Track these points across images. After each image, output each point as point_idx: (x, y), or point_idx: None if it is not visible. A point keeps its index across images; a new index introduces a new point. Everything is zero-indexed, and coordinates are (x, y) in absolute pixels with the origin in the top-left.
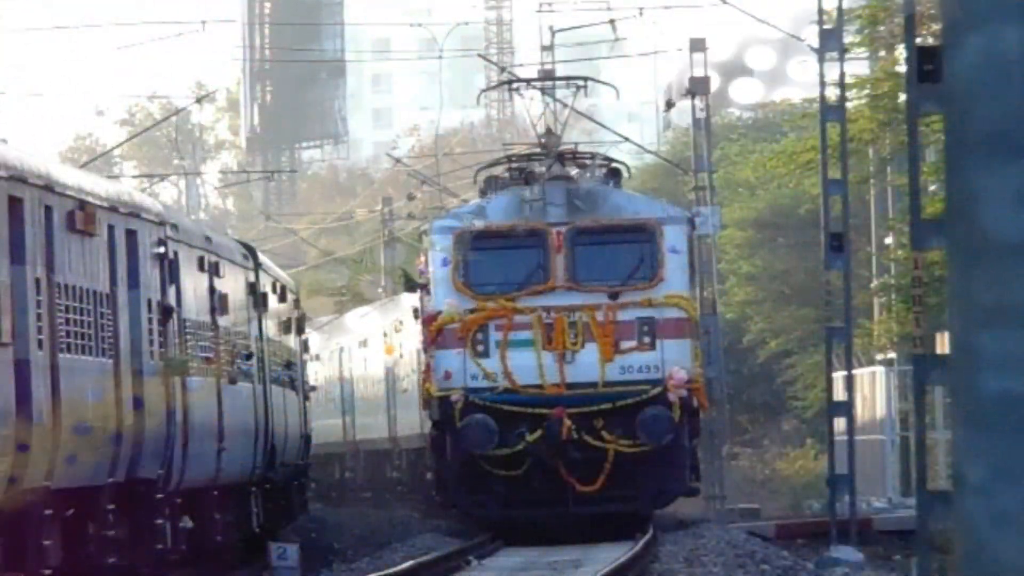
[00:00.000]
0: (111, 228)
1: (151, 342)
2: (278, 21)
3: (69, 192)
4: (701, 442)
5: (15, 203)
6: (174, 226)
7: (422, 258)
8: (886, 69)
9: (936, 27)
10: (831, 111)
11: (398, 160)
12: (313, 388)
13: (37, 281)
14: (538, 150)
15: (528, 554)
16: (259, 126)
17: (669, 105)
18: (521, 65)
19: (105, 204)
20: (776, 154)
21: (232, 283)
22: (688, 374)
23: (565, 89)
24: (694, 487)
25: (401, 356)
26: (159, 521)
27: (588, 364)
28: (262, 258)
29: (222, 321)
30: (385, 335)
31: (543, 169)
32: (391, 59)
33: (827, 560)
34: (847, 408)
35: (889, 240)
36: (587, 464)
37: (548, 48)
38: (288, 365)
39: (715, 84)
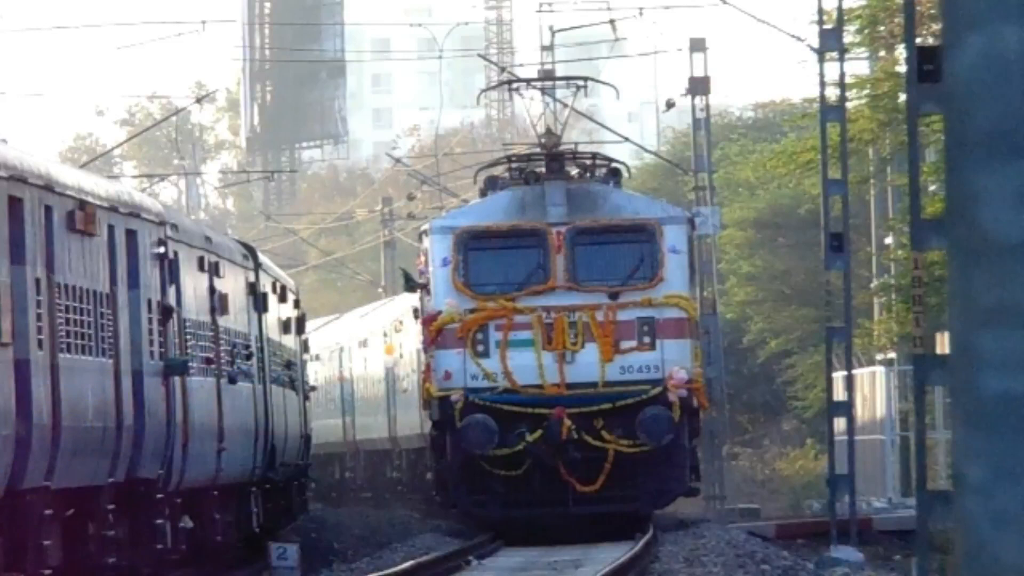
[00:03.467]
0: (111, 228)
1: (151, 342)
2: (278, 21)
3: (69, 192)
4: (701, 442)
5: (15, 203)
6: (174, 226)
7: (422, 258)
8: (886, 69)
9: (936, 27)
10: (831, 111)
11: (398, 160)
12: (313, 388)
13: (37, 281)
14: (538, 150)
15: (528, 554)
16: (259, 126)
17: (669, 105)
18: (521, 65)
19: (105, 204)
20: (776, 154)
21: (232, 283)
22: (688, 374)
23: (565, 89)
24: (694, 487)
25: (401, 356)
26: (159, 521)
27: (588, 364)
28: (262, 258)
29: (222, 321)
30: (385, 335)
31: (543, 169)
32: (391, 59)
33: (827, 560)
34: (847, 408)
35: (889, 240)
36: (587, 464)
37: (548, 48)
38: (288, 365)
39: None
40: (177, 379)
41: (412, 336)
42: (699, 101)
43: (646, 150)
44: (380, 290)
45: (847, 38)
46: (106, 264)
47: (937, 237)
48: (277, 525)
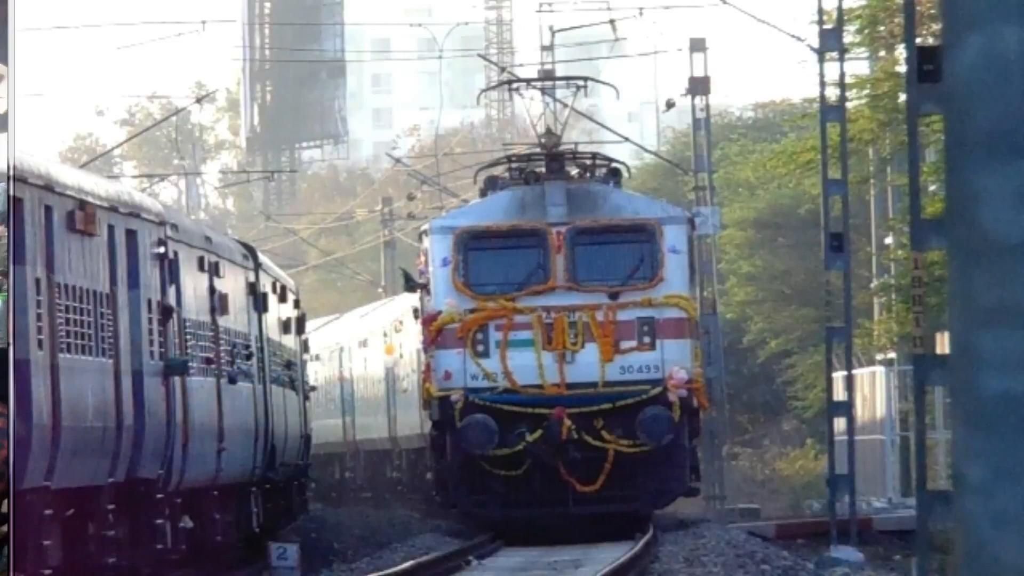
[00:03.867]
0: (111, 228)
1: (151, 342)
2: (278, 21)
3: (69, 192)
4: (701, 442)
5: (15, 203)
6: (174, 226)
7: (422, 258)
8: (886, 69)
9: (936, 27)
10: (831, 111)
11: (398, 160)
12: (313, 388)
13: (37, 281)
14: (538, 150)
15: (528, 554)
16: (259, 126)
17: (669, 105)
18: (521, 65)
19: (105, 204)
20: (776, 154)
21: (232, 283)
22: (688, 374)
23: (565, 89)
24: (694, 487)
25: (401, 356)
26: (159, 521)
27: (588, 364)
28: (262, 258)
29: (222, 321)
30: (385, 335)
31: (543, 169)
32: (391, 59)
33: (827, 560)
34: (847, 408)
35: (889, 240)
36: (587, 464)
37: (548, 48)
38: (288, 365)
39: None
40: (177, 379)
41: (412, 336)
42: (699, 101)
43: (646, 150)
44: (380, 290)
45: (847, 38)
46: (106, 264)
47: (937, 237)
48: (277, 525)
